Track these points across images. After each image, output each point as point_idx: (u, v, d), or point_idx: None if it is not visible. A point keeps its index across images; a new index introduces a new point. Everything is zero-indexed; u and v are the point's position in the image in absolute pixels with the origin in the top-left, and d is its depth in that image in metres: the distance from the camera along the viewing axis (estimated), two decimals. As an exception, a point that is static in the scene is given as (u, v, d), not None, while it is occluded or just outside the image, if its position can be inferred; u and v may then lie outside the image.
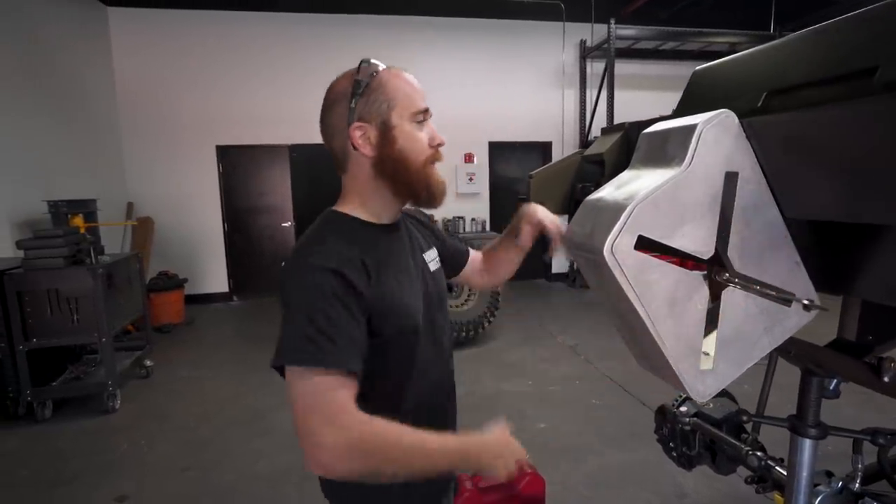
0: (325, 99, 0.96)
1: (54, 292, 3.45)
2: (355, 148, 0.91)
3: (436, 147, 0.95)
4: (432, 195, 0.95)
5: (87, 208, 4.43)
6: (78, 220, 4.22)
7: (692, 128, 0.77)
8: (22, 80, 4.52)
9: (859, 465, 1.28)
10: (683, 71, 7.56)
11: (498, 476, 0.82)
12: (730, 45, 7.17)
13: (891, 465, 1.33)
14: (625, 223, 0.75)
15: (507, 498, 1.81)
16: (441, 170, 0.97)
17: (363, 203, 0.96)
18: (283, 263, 0.88)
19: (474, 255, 1.32)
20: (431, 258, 1.09)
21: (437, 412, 1.03)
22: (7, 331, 3.37)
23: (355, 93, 0.90)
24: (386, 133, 0.90)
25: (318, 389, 0.77)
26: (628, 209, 0.75)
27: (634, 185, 0.82)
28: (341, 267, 0.83)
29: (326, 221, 0.95)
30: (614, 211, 0.77)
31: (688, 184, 0.77)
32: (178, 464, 2.93)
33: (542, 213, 1.20)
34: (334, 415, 0.76)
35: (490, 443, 0.84)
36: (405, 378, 0.95)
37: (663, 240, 0.77)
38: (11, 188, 4.22)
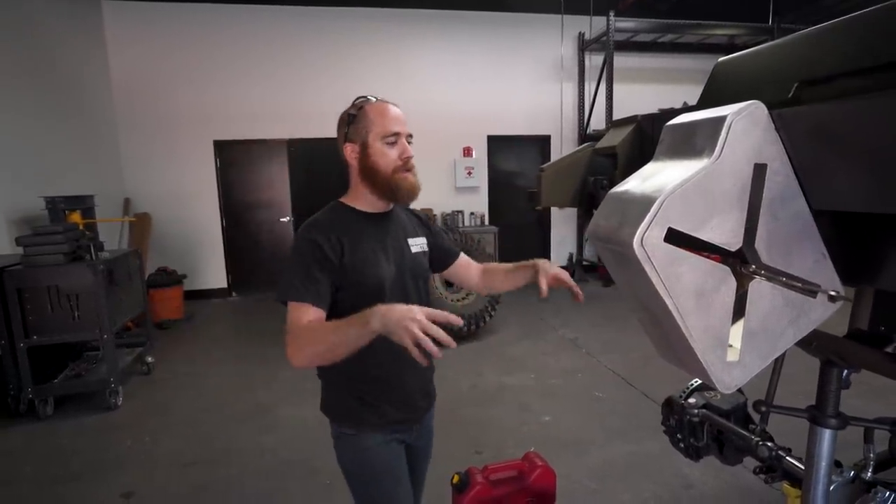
0: (337, 122, 1.36)
1: (54, 289, 3.42)
2: (348, 160, 1.33)
3: (404, 159, 1.30)
4: (399, 195, 1.31)
5: (84, 204, 4.39)
6: (76, 217, 4.18)
7: (721, 119, 0.77)
8: (15, 75, 4.46)
9: (871, 455, 1.29)
10: (682, 64, 7.59)
11: (396, 332, 0.98)
12: (728, 37, 7.17)
13: (901, 454, 1.35)
14: (655, 215, 0.74)
15: (518, 490, 1.82)
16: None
17: (356, 197, 1.36)
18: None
19: (465, 259, 1.61)
20: (415, 243, 1.43)
21: (404, 359, 1.15)
22: (7, 328, 3.34)
23: (349, 121, 1.31)
24: (364, 150, 1.29)
25: (289, 314, 1.21)
26: (658, 201, 0.74)
27: (661, 177, 0.82)
28: (319, 239, 1.24)
29: (328, 208, 1.36)
30: (643, 203, 0.77)
31: (717, 176, 0.76)
32: (183, 459, 2.93)
33: (555, 269, 1.50)
34: (292, 328, 1.18)
35: (384, 308, 1.03)
36: None
37: (692, 232, 0.76)
38: (7, 185, 4.17)
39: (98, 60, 6.09)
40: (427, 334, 0.96)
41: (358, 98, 1.35)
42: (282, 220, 7.14)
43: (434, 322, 0.98)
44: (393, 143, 1.28)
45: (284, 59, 6.68)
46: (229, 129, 6.67)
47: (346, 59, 6.81)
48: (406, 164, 1.30)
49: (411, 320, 0.96)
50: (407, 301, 1.29)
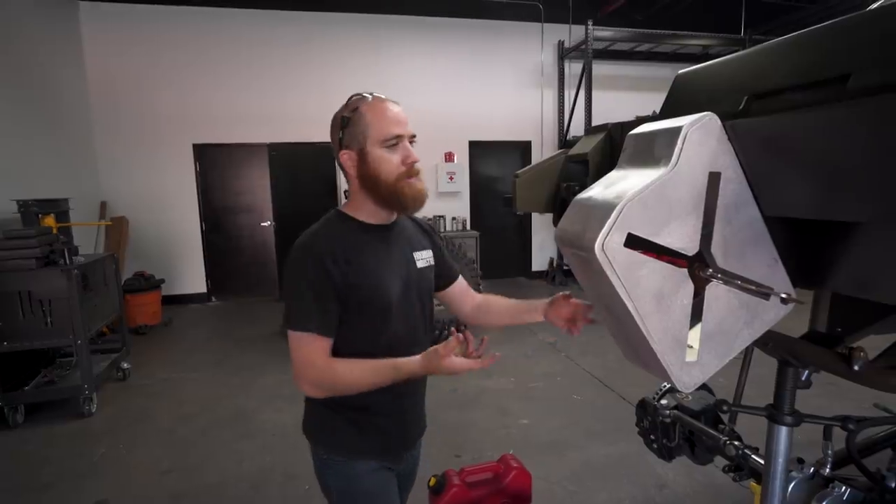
0: (330, 125, 1.22)
1: (26, 294, 3.35)
2: (345, 168, 1.19)
3: (409, 164, 1.16)
4: (403, 205, 1.19)
5: (58, 208, 4.31)
6: (49, 220, 4.10)
7: (678, 130, 0.80)
8: (-12, 75, 4.37)
9: (829, 451, 1.34)
10: (658, 72, 7.75)
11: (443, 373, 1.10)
12: (702, 47, 7.35)
13: (857, 450, 1.40)
14: (615, 221, 0.77)
15: (494, 492, 1.84)
16: (421, 169, 1.20)
17: (357, 207, 1.23)
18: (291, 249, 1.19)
19: (463, 285, 1.48)
20: (421, 257, 1.31)
21: (402, 387, 1.22)
22: (-24, 334, 3.26)
23: (343, 125, 1.17)
24: (363, 157, 1.16)
25: (299, 346, 1.13)
26: (618, 208, 0.78)
27: (623, 184, 0.85)
28: (324, 259, 1.12)
29: (326, 220, 1.23)
30: (604, 209, 0.80)
31: (674, 183, 0.80)
32: (159, 466, 2.89)
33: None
34: (304, 366, 1.13)
35: (428, 366, 1.10)
36: (373, 345, 1.18)
37: (651, 237, 0.80)
38: (-22, 187, 4.08)
39: (74, 61, 5.99)
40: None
41: (352, 96, 1.19)
42: (263, 224, 7.08)
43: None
44: (394, 146, 1.15)
45: (265, 63, 6.65)
46: (209, 133, 6.60)
47: (328, 63, 6.81)
48: (410, 170, 1.17)
49: (450, 368, 1.09)
50: (412, 321, 1.26)
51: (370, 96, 1.17)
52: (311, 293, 1.12)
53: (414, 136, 1.19)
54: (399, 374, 1.11)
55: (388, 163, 1.15)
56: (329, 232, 1.19)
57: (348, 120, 1.16)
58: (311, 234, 1.18)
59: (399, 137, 1.15)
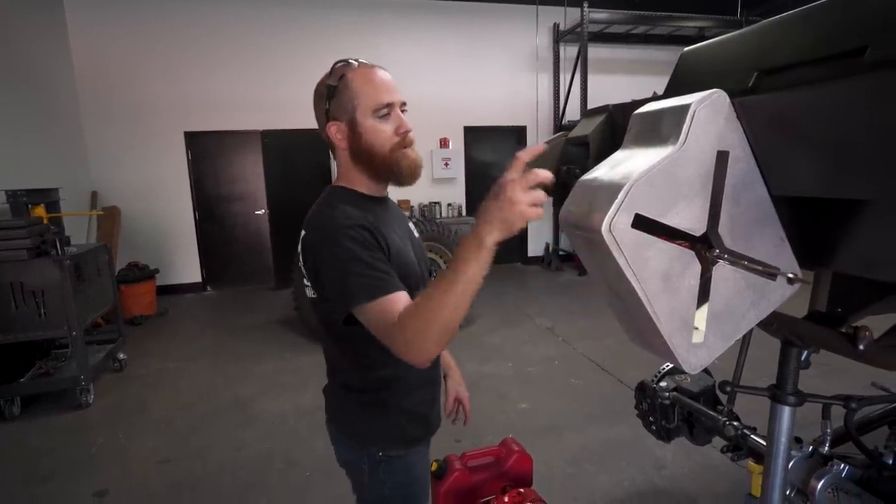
0: (313, 96, 1.13)
1: (18, 285, 3.31)
2: (334, 142, 1.11)
3: (402, 134, 1.09)
4: (400, 177, 1.11)
5: (48, 198, 4.24)
6: (40, 211, 4.03)
7: (686, 107, 0.79)
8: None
9: (828, 430, 1.36)
10: (654, 55, 7.70)
11: (515, 225, 0.88)
12: (699, 29, 7.30)
13: (856, 428, 1.42)
14: (622, 202, 0.76)
15: (496, 476, 1.85)
16: (415, 139, 1.13)
17: (354, 181, 1.14)
18: (306, 232, 1.08)
19: None
20: (413, 228, 1.31)
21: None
22: (-31, 326, 3.23)
23: (329, 96, 1.08)
24: (354, 129, 1.08)
25: (383, 310, 0.94)
26: (625, 188, 0.76)
27: (629, 164, 0.84)
28: (364, 225, 1.02)
29: (333, 193, 1.13)
30: (611, 190, 0.78)
31: (681, 162, 0.78)
32: (158, 455, 2.89)
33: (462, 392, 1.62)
34: (395, 320, 0.92)
35: (482, 216, 0.88)
36: None
37: (658, 218, 0.79)
38: (-34, 177, 4.00)
39: (60, 49, 5.85)
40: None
41: (337, 63, 1.10)
42: (257, 212, 7.03)
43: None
44: (386, 116, 1.07)
45: (258, 49, 6.54)
46: (201, 120, 6.50)
47: (321, 48, 6.70)
48: (404, 140, 1.09)
49: (521, 206, 0.84)
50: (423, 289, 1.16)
51: (356, 62, 1.08)
52: (368, 258, 0.98)
53: (405, 104, 1.10)
54: (474, 251, 0.88)
55: (382, 133, 1.07)
56: (349, 205, 1.07)
57: (334, 89, 1.07)
58: (334, 208, 1.05)
59: (390, 106, 1.07)
